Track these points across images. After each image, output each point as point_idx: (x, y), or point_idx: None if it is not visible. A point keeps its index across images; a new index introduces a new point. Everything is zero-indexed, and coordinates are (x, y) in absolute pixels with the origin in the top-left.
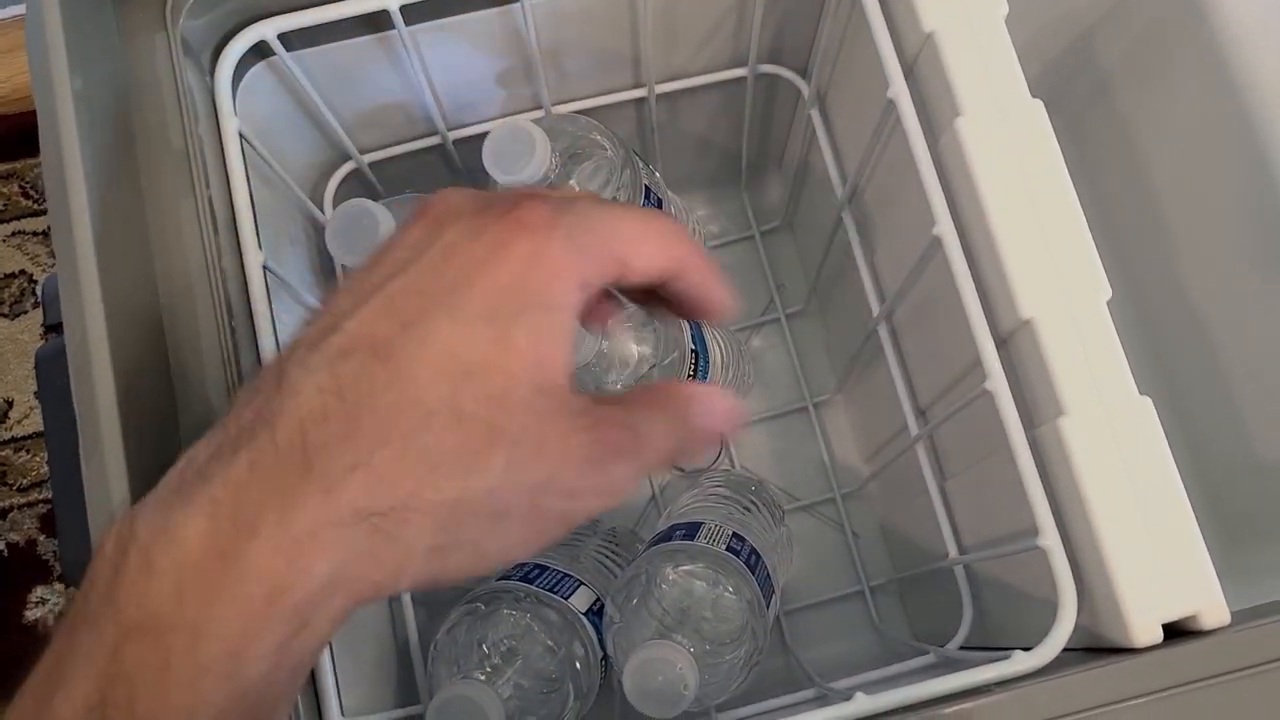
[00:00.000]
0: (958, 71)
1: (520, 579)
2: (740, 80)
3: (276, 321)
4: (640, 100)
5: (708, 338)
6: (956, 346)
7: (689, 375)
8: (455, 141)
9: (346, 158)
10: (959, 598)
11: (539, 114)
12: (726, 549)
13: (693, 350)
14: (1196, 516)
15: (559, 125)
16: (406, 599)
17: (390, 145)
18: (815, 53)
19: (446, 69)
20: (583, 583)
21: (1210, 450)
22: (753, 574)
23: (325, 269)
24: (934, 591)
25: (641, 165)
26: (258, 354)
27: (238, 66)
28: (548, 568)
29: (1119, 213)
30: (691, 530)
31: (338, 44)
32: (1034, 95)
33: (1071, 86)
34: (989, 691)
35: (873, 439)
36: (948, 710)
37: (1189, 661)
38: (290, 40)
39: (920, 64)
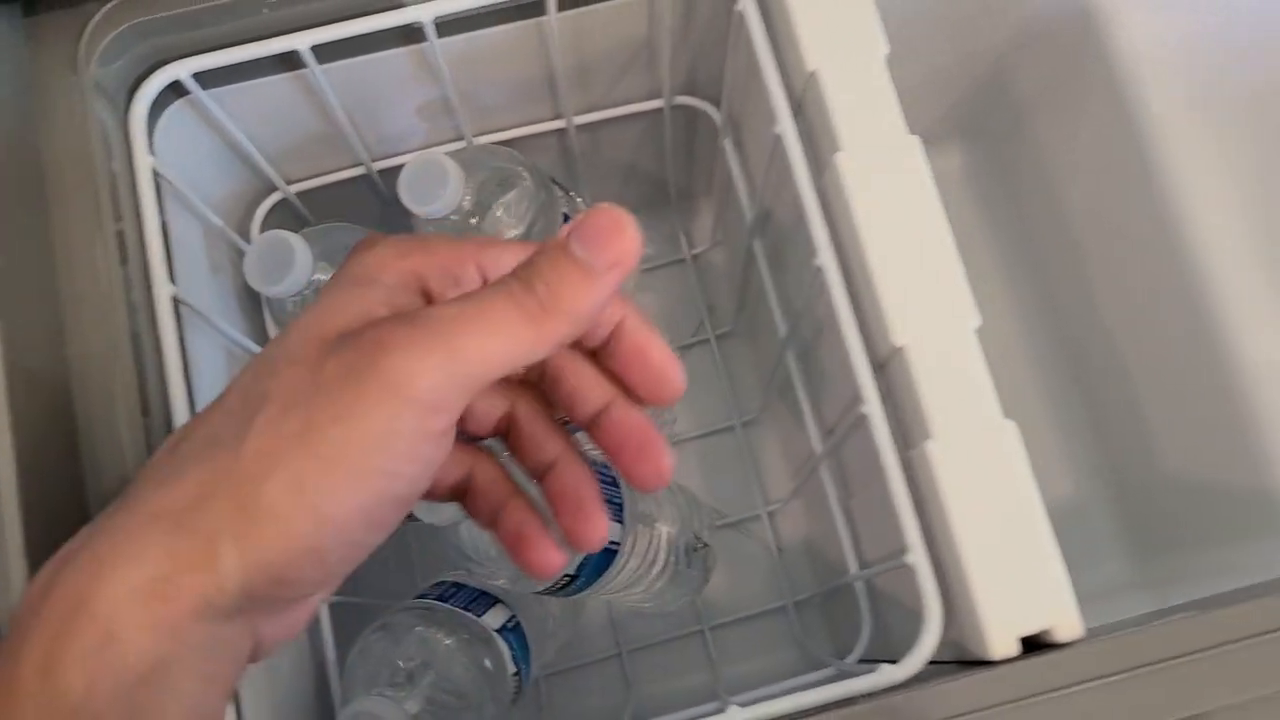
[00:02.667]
0: (838, 109)
1: (435, 597)
2: (659, 111)
3: (190, 350)
4: (562, 131)
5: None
6: (846, 370)
7: None
8: (380, 171)
9: (274, 188)
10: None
11: (461, 145)
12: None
13: None
14: (1114, 531)
15: (479, 156)
16: (325, 618)
17: (317, 176)
18: (725, 85)
19: (365, 103)
20: (499, 601)
21: (1127, 467)
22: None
23: (254, 298)
24: (849, 606)
25: (561, 193)
26: (165, 383)
27: (160, 103)
28: (464, 586)
29: (1041, 239)
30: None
31: (257, 81)
32: (953, 125)
33: (991, 117)
34: (855, 703)
35: (795, 457)
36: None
37: (1041, 673)
38: (208, 78)
39: (806, 101)
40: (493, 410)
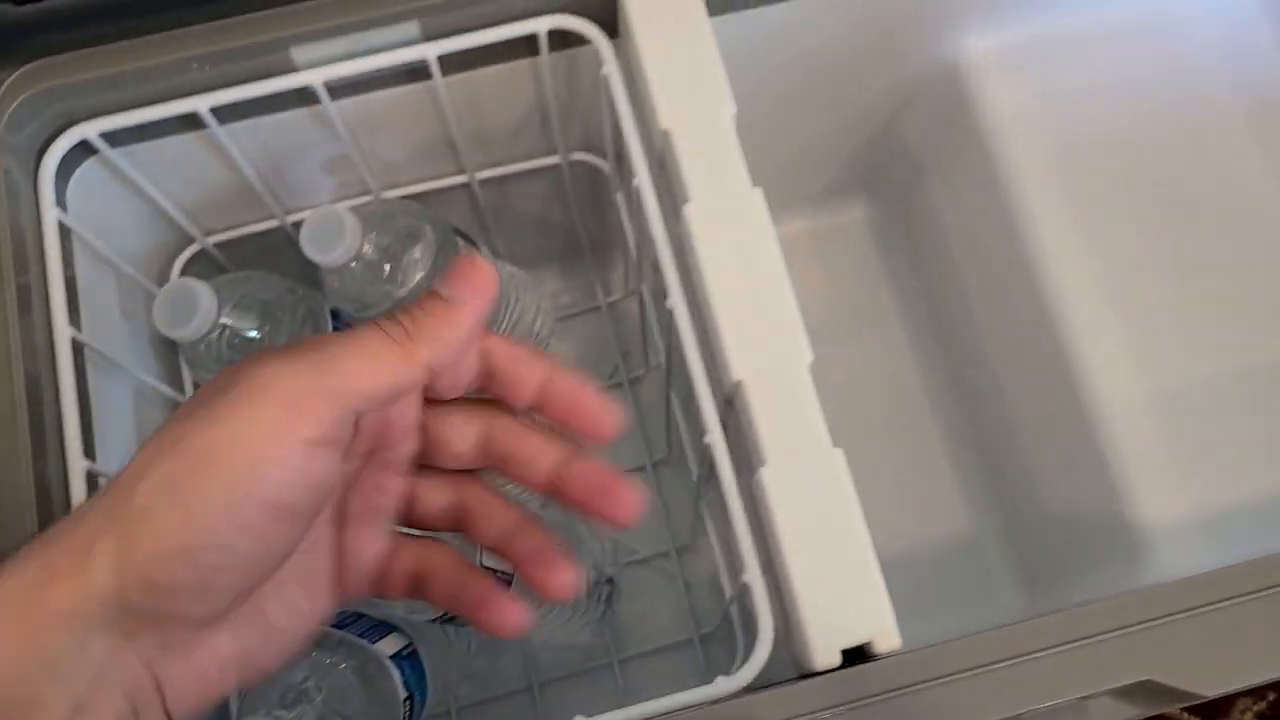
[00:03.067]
0: (687, 164)
1: (333, 625)
2: (559, 166)
3: (99, 393)
4: (468, 185)
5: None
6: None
7: None
8: (295, 224)
9: (191, 240)
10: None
11: (368, 199)
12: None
13: None
14: (1008, 565)
15: (383, 210)
16: None
17: (235, 228)
18: (607, 142)
19: (273, 160)
20: (395, 629)
21: (1015, 503)
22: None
23: (170, 346)
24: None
25: (466, 244)
26: (61, 424)
27: (73, 162)
28: (363, 615)
29: (935, 288)
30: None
31: (167, 139)
32: (856, 179)
33: (889, 170)
34: (682, 713)
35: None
36: None
37: (858, 682)
38: (118, 137)
39: (665, 156)
40: (442, 501)
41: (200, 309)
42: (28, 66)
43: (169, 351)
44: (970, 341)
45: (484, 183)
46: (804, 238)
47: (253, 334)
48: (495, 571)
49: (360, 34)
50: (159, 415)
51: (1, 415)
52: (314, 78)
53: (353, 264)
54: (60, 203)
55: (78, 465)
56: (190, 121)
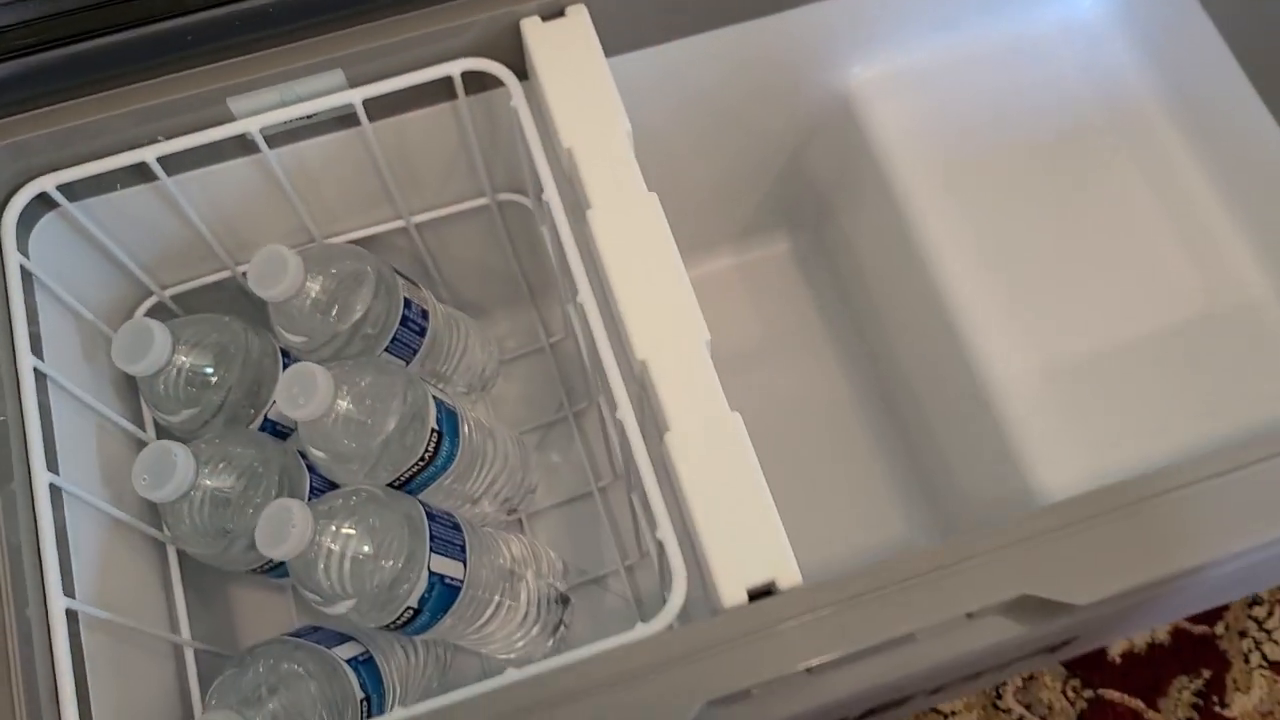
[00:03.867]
0: (588, 175)
1: (292, 634)
2: (488, 207)
3: (60, 424)
4: (407, 230)
5: (464, 427)
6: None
7: (423, 460)
8: (244, 273)
9: (150, 292)
10: None
11: (312, 245)
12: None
13: (435, 430)
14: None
15: (326, 251)
16: (189, 659)
17: (190, 280)
18: (527, 176)
19: (221, 211)
20: (353, 638)
21: (941, 498)
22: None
23: (132, 387)
24: None
25: (405, 283)
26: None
27: (35, 214)
28: (321, 628)
29: (860, 308)
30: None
31: (122, 192)
32: (774, 215)
33: (802, 203)
34: (614, 655)
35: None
36: (577, 671)
37: (763, 613)
38: (77, 190)
39: (570, 171)
40: None
41: (155, 344)
42: None
43: (131, 394)
44: (887, 349)
45: (423, 227)
46: (732, 273)
47: (209, 370)
48: (444, 578)
49: (290, 84)
50: (122, 451)
51: None
52: (250, 125)
53: (297, 300)
54: (23, 251)
55: (42, 478)
56: (142, 173)
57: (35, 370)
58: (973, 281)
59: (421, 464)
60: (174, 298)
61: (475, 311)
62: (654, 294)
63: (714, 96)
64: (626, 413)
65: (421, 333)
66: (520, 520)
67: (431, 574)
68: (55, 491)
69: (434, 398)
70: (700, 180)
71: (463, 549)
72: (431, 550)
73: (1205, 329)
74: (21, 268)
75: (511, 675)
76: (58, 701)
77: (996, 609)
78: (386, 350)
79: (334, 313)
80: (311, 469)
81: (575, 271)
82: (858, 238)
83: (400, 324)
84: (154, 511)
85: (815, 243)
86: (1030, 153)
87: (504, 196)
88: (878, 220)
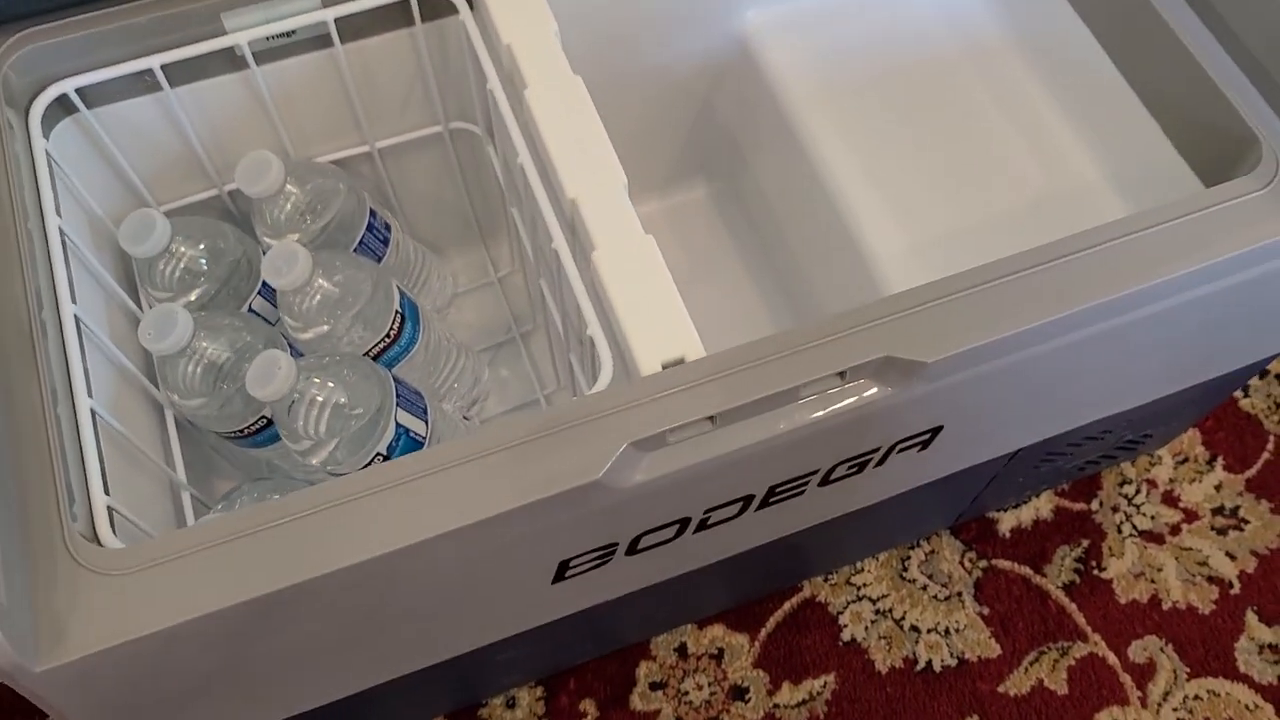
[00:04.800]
0: (524, 62)
1: None
2: (441, 135)
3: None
4: (371, 156)
5: (424, 320)
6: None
7: (389, 336)
8: (229, 193)
9: (147, 205)
10: None
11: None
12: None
13: (399, 312)
14: None
15: (303, 164)
16: (186, 504)
17: (181, 198)
18: (476, 99)
19: (212, 126)
20: None
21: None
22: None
23: (131, 281)
24: None
25: (372, 208)
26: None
27: (53, 118)
28: None
29: (769, 233)
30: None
31: (126, 103)
32: (691, 163)
33: (716, 149)
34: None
35: None
36: (526, 423)
37: (673, 376)
38: (90, 95)
39: (509, 65)
40: None
41: (157, 229)
42: (18, 34)
43: (130, 289)
44: (793, 264)
45: (385, 155)
46: (658, 216)
47: (202, 261)
48: (409, 431)
49: (273, 2)
50: (124, 328)
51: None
52: (240, 38)
53: (279, 200)
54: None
55: (69, 309)
56: (146, 85)
57: (60, 230)
58: (860, 185)
59: (388, 340)
60: (166, 214)
61: (430, 249)
62: (581, 150)
63: (626, 38)
64: (561, 242)
65: (385, 242)
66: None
67: (398, 425)
68: (77, 324)
69: (397, 287)
70: (621, 129)
71: (425, 411)
72: (398, 405)
73: (1046, 205)
74: (46, 153)
75: (476, 425)
76: (85, 476)
77: (865, 370)
78: (355, 251)
79: (309, 216)
80: (292, 347)
81: (516, 141)
82: (763, 170)
83: (367, 229)
84: (154, 383)
85: (730, 188)
86: (901, 83)
87: (455, 125)
88: (778, 144)
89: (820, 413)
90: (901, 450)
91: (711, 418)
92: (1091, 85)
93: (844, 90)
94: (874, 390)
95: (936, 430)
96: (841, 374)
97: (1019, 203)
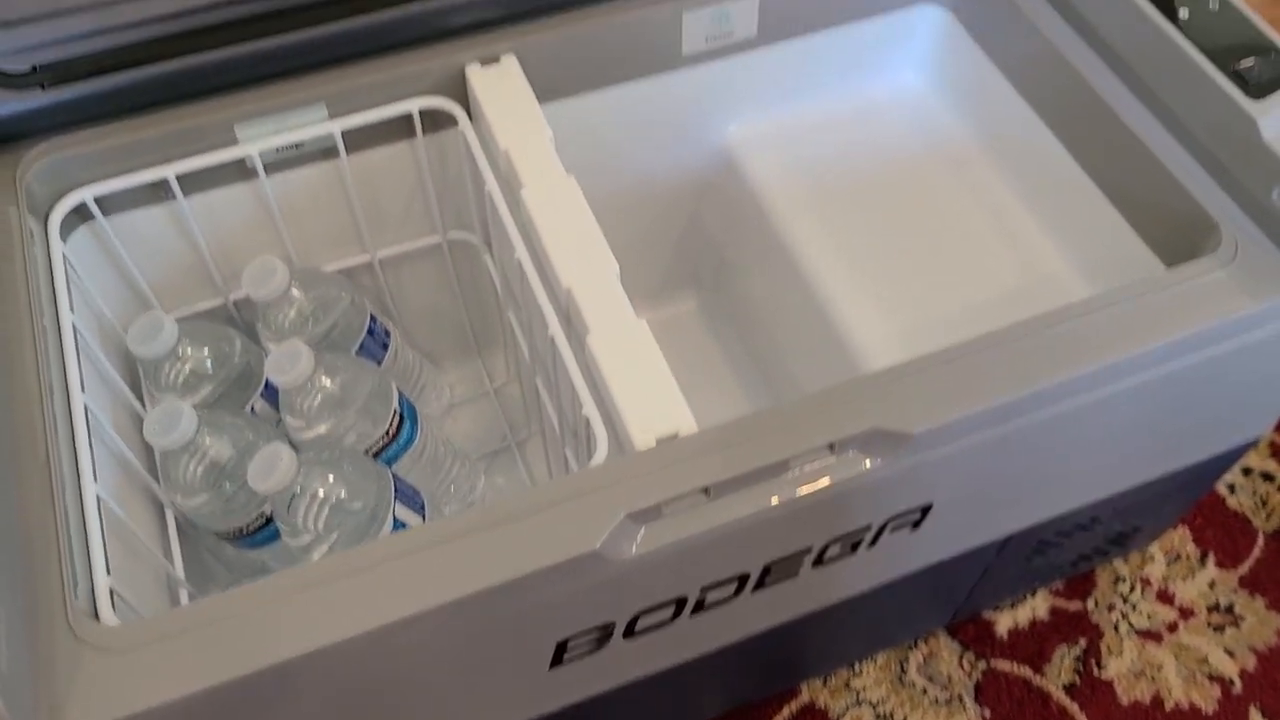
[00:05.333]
0: (521, 165)
1: None
2: (440, 245)
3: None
4: (370, 266)
5: (422, 422)
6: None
7: (387, 435)
8: (234, 302)
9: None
10: None
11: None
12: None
13: (397, 411)
14: None
15: (308, 272)
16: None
17: (187, 305)
18: (474, 208)
19: (220, 235)
20: None
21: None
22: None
23: (136, 385)
24: None
25: (372, 314)
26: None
27: (70, 225)
28: None
29: (755, 338)
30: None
31: (139, 211)
32: (681, 276)
33: (703, 261)
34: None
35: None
36: (530, 498)
37: (667, 451)
38: (106, 203)
39: (506, 168)
40: None
41: (165, 331)
42: (42, 145)
43: (135, 392)
44: (781, 366)
45: (385, 265)
46: (649, 328)
47: (207, 363)
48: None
49: (284, 114)
50: (128, 426)
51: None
52: (251, 149)
53: (283, 304)
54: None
55: (79, 398)
56: (159, 194)
57: (74, 326)
58: (842, 281)
59: (386, 438)
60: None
61: (427, 360)
62: (574, 241)
63: (619, 151)
64: (557, 328)
65: (385, 347)
66: None
67: (397, 520)
68: (87, 414)
69: (396, 388)
70: (612, 241)
71: (423, 508)
72: (397, 500)
73: (1019, 295)
74: (64, 256)
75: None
76: (90, 557)
77: (853, 441)
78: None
79: (311, 321)
80: (293, 447)
81: (513, 237)
82: (751, 276)
83: (367, 334)
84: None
85: (718, 298)
86: (877, 186)
87: (454, 235)
88: (763, 249)
89: (811, 485)
90: (894, 529)
91: (706, 489)
92: (1056, 181)
93: (823, 195)
94: (863, 462)
95: (927, 509)
96: (831, 446)
97: (993, 294)
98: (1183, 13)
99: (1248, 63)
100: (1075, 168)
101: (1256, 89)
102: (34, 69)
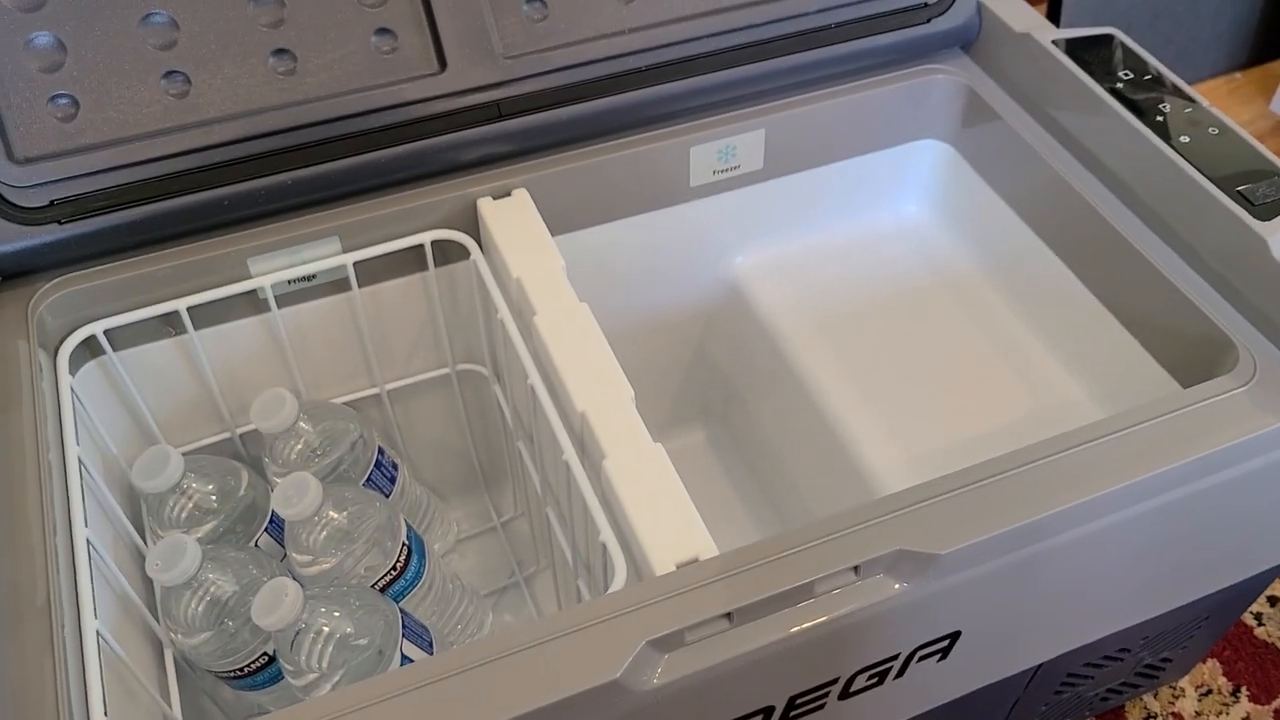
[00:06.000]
0: (533, 293)
1: None
2: (449, 376)
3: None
4: (378, 398)
5: (429, 556)
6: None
7: (395, 568)
8: (240, 436)
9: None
10: None
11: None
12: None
13: (405, 545)
14: None
15: (316, 405)
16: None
17: (194, 440)
18: (483, 338)
19: (230, 368)
20: None
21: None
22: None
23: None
24: None
25: (380, 446)
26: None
27: (79, 359)
28: None
29: (763, 467)
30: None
31: (148, 346)
32: (689, 409)
33: (710, 391)
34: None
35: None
36: (547, 625)
37: (688, 575)
38: (116, 338)
39: (518, 296)
40: None
41: (170, 465)
42: (54, 280)
43: (136, 526)
44: (793, 495)
45: (393, 397)
46: None
47: (212, 498)
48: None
49: (297, 248)
50: (128, 563)
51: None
52: (264, 281)
53: (290, 437)
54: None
55: (81, 531)
56: (170, 328)
57: (79, 460)
58: (855, 408)
59: (394, 573)
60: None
61: (433, 494)
62: (588, 366)
63: (626, 282)
64: (571, 455)
65: (392, 480)
66: None
67: (404, 658)
68: (89, 548)
69: (405, 521)
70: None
71: (430, 645)
72: (404, 637)
73: (1034, 421)
74: (71, 389)
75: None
76: (86, 695)
77: (879, 564)
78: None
79: (319, 454)
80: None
81: (526, 363)
82: (759, 405)
83: (375, 467)
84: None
85: (726, 430)
86: (884, 313)
87: (462, 366)
88: (772, 376)
89: (836, 611)
90: (921, 659)
91: (729, 615)
92: (1064, 306)
93: (830, 322)
94: (889, 586)
95: (955, 636)
96: (855, 568)
97: (1008, 420)
98: (1183, 139)
99: (1251, 186)
100: (1084, 292)
101: (1264, 210)
102: (51, 203)
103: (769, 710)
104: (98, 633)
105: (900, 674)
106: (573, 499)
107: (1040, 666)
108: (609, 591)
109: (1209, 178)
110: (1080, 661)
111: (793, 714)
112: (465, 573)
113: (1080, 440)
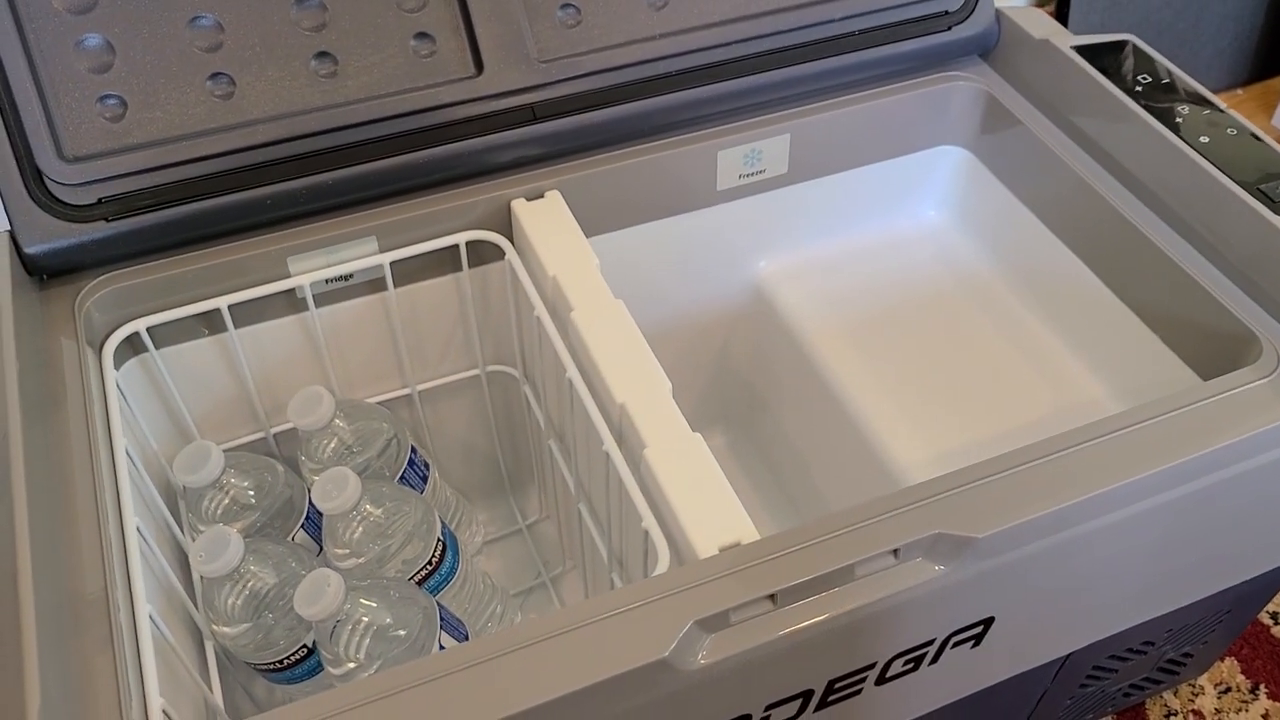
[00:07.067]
0: (571, 290)
1: None
2: (479, 378)
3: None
4: (409, 398)
5: (464, 555)
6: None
7: (431, 563)
8: (274, 435)
9: None
10: None
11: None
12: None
13: (440, 540)
14: None
15: (351, 404)
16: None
17: (230, 439)
18: (515, 338)
19: (264, 365)
20: None
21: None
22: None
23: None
24: None
25: (413, 445)
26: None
27: (122, 356)
28: None
29: (784, 469)
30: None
31: (188, 344)
32: (711, 413)
33: (732, 397)
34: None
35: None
36: (596, 605)
37: (732, 558)
38: (158, 335)
39: (554, 295)
40: None
41: (211, 460)
42: (101, 277)
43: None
44: (816, 497)
45: (423, 398)
46: None
47: (250, 494)
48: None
49: (335, 247)
50: (167, 551)
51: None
52: (303, 280)
53: (325, 434)
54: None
55: (131, 520)
56: (209, 326)
57: (127, 451)
58: (875, 402)
59: (430, 567)
60: None
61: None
62: (626, 359)
63: (652, 284)
64: (611, 445)
65: (424, 479)
66: None
67: (442, 648)
68: (140, 535)
69: (440, 518)
70: None
71: (466, 638)
72: (441, 629)
73: (1060, 418)
74: (116, 384)
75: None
76: (143, 675)
77: (917, 547)
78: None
79: (353, 451)
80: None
81: (564, 356)
82: (782, 407)
83: (408, 465)
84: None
85: (748, 434)
86: (905, 315)
87: (493, 368)
88: (795, 377)
89: (877, 593)
90: (955, 644)
91: (772, 596)
92: (1086, 305)
93: (853, 324)
94: (927, 569)
95: (988, 623)
96: (895, 552)
97: (1032, 418)
98: (1203, 139)
99: (1272, 184)
100: (1105, 291)
101: None
102: (99, 201)
103: (808, 694)
104: (150, 616)
105: (935, 660)
106: (610, 490)
107: (1068, 658)
108: (655, 572)
109: (1230, 177)
110: (1105, 654)
111: (831, 698)
112: (492, 574)
113: (1109, 429)
